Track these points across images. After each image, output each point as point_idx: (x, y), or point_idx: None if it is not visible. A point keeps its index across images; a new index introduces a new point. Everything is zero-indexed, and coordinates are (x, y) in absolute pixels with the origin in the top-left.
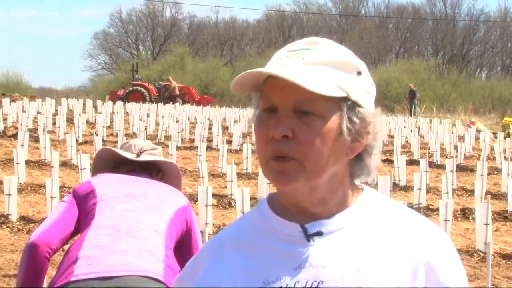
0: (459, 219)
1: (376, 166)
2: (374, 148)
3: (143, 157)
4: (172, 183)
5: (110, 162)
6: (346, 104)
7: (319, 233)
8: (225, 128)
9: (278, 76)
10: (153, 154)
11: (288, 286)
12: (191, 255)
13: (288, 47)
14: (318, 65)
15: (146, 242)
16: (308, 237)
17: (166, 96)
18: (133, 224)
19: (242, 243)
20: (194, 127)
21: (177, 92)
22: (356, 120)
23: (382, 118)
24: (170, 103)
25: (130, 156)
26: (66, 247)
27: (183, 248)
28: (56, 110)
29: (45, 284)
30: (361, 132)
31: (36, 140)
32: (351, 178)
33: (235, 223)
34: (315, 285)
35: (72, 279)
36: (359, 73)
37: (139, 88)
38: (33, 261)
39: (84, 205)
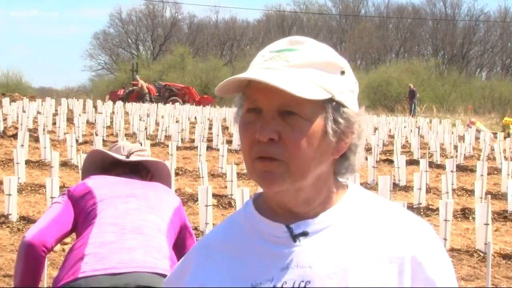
0: (459, 219)
1: (360, 164)
2: (358, 147)
3: (133, 158)
4: (162, 183)
5: (100, 164)
6: (331, 105)
7: (305, 233)
8: (225, 128)
9: (263, 82)
10: (142, 156)
11: (275, 287)
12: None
13: (270, 47)
14: (303, 67)
15: (152, 239)
16: (294, 237)
17: (132, 95)
18: (137, 222)
19: (229, 245)
20: (194, 127)
21: (146, 91)
22: (341, 120)
23: (373, 117)
24: (140, 102)
25: (121, 157)
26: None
27: (178, 245)
28: (56, 110)
29: (44, 284)
30: (346, 132)
31: (36, 140)
32: (335, 176)
33: (222, 225)
34: (302, 285)
35: (80, 275)
36: (342, 72)
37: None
38: (30, 260)
39: (82, 206)
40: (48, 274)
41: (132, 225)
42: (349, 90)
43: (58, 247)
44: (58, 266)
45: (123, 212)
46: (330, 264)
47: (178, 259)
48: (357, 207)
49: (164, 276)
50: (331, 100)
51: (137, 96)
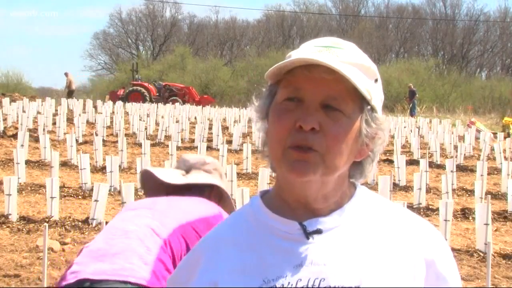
0: (459, 219)
1: (372, 173)
2: (376, 156)
3: (190, 178)
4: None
5: (153, 185)
6: (367, 107)
7: (318, 231)
8: (225, 128)
9: (330, 67)
10: (206, 171)
11: (290, 283)
12: None
13: (314, 42)
14: (351, 65)
15: (137, 243)
16: (308, 234)
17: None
18: (129, 226)
19: (237, 242)
20: (194, 127)
21: (73, 87)
22: (373, 124)
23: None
24: (72, 98)
25: (171, 179)
26: (64, 247)
27: None
28: (56, 110)
29: (44, 284)
30: (372, 137)
31: (36, 140)
32: (349, 178)
33: (228, 221)
34: (317, 282)
35: (63, 283)
36: (376, 80)
37: (139, 88)
38: None
39: None
40: (48, 274)
41: (123, 230)
42: (379, 98)
43: (58, 247)
44: (58, 267)
45: (120, 220)
46: (344, 262)
47: None
48: (367, 206)
49: (135, 285)
50: (367, 103)
51: (67, 93)
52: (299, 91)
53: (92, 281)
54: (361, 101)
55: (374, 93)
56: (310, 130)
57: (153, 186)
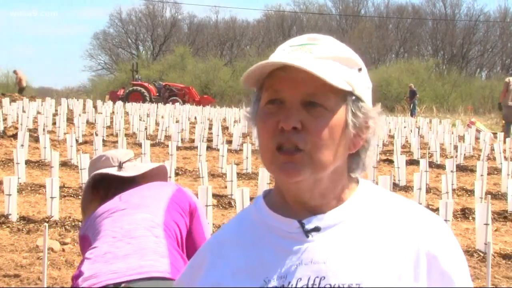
0: (459, 219)
1: (370, 162)
2: (371, 145)
3: (128, 170)
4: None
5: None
6: (351, 98)
7: (317, 229)
8: (225, 128)
9: (298, 67)
10: (132, 162)
11: (290, 283)
12: (201, 238)
13: (290, 42)
14: (326, 59)
15: (146, 240)
16: (306, 232)
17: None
18: (126, 226)
19: (241, 242)
20: (194, 127)
21: (24, 84)
22: (359, 114)
23: (383, 116)
24: (23, 95)
25: (121, 173)
26: (65, 247)
27: (192, 231)
28: (56, 110)
29: (44, 284)
30: (362, 127)
31: (36, 140)
32: (348, 172)
33: (233, 221)
34: (317, 281)
35: None
36: (359, 69)
37: (139, 88)
38: None
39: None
40: (48, 274)
41: (122, 230)
42: (366, 86)
43: (58, 247)
44: (58, 267)
45: (110, 223)
46: (344, 259)
47: (190, 249)
48: (369, 202)
49: (160, 278)
50: (351, 93)
51: (18, 91)
52: (279, 92)
53: (116, 284)
54: (344, 93)
55: (358, 83)
56: (293, 129)
57: (105, 185)
